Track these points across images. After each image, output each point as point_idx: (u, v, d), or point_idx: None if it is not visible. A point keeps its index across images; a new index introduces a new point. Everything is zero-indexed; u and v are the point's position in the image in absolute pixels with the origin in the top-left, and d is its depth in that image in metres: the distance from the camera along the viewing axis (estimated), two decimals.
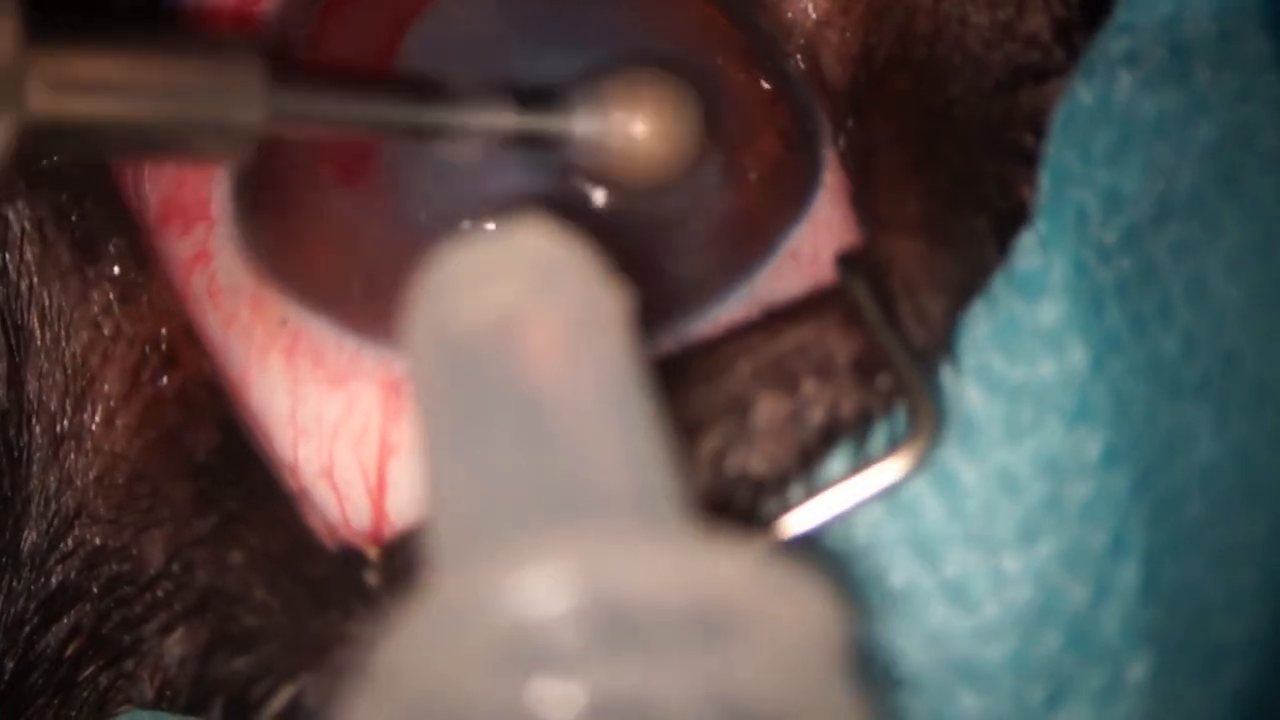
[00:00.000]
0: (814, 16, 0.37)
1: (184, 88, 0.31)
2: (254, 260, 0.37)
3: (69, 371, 0.36)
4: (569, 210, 0.35)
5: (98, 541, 0.35)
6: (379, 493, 0.35)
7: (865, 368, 0.34)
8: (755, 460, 0.34)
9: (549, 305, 0.28)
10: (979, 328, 0.33)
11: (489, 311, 0.28)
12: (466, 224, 0.36)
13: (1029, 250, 0.33)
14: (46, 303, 0.36)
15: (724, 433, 0.34)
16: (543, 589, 0.24)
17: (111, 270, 0.36)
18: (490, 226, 0.36)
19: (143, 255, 0.36)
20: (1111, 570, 0.33)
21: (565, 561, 0.25)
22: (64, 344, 0.36)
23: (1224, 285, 0.33)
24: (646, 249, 0.36)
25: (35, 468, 0.35)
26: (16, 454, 0.35)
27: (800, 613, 0.25)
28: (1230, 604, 0.33)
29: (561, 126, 0.35)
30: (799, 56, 0.37)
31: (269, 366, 0.36)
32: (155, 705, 0.35)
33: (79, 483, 0.35)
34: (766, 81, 0.37)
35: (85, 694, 0.35)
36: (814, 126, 0.37)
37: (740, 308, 0.36)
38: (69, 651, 0.35)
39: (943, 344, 0.33)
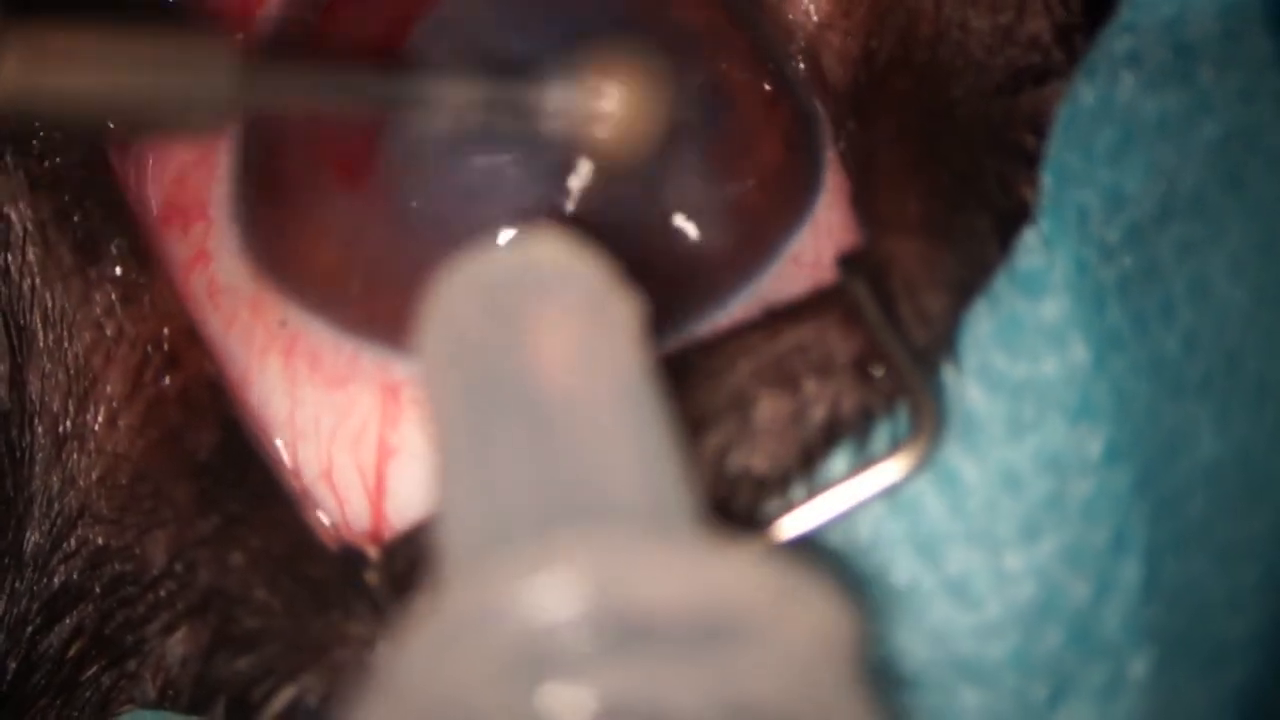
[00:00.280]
0: (815, 19, 0.37)
1: (157, 62, 0.31)
2: (253, 261, 0.37)
3: (71, 372, 0.36)
4: (574, 216, 0.36)
5: (100, 542, 0.35)
6: (378, 494, 0.36)
7: (866, 367, 0.34)
8: (757, 459, 0.34)
9: (561, 314, 0.28)
10: (981, 326, 0.33)
11: (502, 320, 0.28)
12: (467, 226, 0.36)
13: (1031, 249, 0.33)
14: (49, 304, 0.36)
15: (726, 431, 0.34)
16: (553, 594, 0.24)
17: (113, 271, 0.36)
18: (498, 231, 0.36)
19: (144, 256, 0.36)
20: (1113, 567, 0.33)
21: (575, 567, 0.25)
22: (66, 345, 0.36)
23: (1226, 284, 0.33)
24: (649, 252, 0.36)
25: (38, 468, 0.35)
26: (19, 454, 0.35)
27: (810, 618, 0.25)
28: (1231, 601, 0.34)
29: (536, 96, 0.35)
30: (800, 58, 0.37)
31: (268, 368, 0.36)
32: (158, 705, 0.35)
33: (82, 483, 0.35)
34: (767, 84, 0.37)
35: (88, 694, 0.35)
36: (815, 128, 0.37)
37: (743, 311, 0.36)
38: (72, 652, 0.35)
39: (944, 342, 0.33)
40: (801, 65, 0.37)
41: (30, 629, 0.35)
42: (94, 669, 0.35)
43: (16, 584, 0.35)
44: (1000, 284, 0.33)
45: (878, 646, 0.33)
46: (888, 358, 0.34)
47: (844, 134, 0.36)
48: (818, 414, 0.34)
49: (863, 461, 0.33)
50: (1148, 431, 0.33)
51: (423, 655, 0.25)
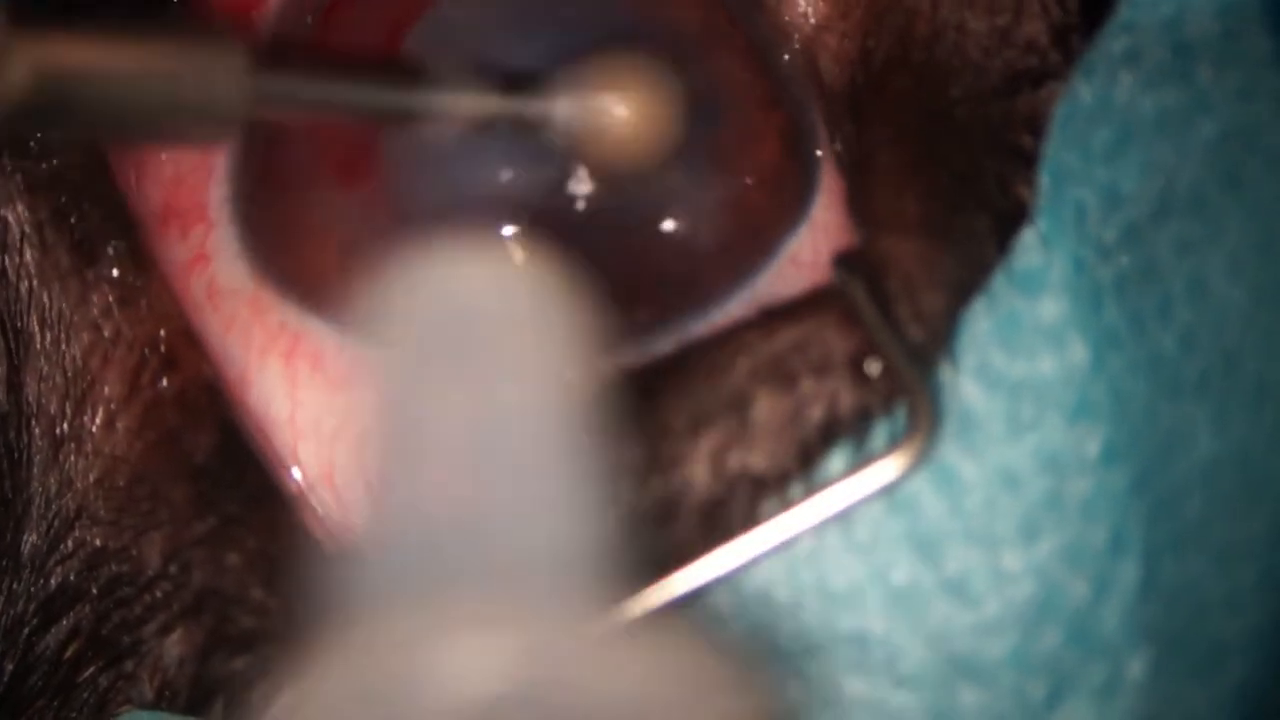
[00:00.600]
0: (813, 21, 0.37)
1: (168, 70, 0.31)
2: (254, 263, 0.37)
3: (69, 374, 0.36)
4: (571, 215, 0.36)
5: (98, 543, 0.35)
6: None
7: (864, 366, 0.34)
8: (755, 458, 0.34)
9: (499, 338, 0.28)
10: (979, 325, 0.33)
11: (439, 335, 0.28)
12: (468, 226, 0.36)
13: (1029, 248, 0.33)
14: (46, 305, 0.36)
15: (724, 430, 0.34)
16: (469, 669, 0.24)
17: (111, 273, 0.36)
18: (499, 231, 0.36)
19: (142, 258, 0.36)
20: (1111, 567, 0.33)
21: (492, 641, 0.24)
22: (64, 347, 0.36)
23: (1224, 284, 0.33)
24: (649, 252, 0.36)
25: (36, 470, 0.35)
26: (17, 456, 0.35)
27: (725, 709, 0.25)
28: (1230, 601, 0.33)
29: (543, 109, 0.35)
30: (796, 59, 0.37)
31: (268, 369, 0.36)
32: (155, 706, 0.35)
33: (79, 485, 0.35)
34: (765, 84, 0.37)
35: (85, 695, 0.35)
36: (811, 129, 0.37)
37: (742, 310, 0.36)
38: (69, 653, 0.35)
39: (942, 342, 0.33)
40: (797, 66, 0.37)
41: (27, 630, 0.35)
42: (91, 670, 0.35)
43: (14, 585, 0.35)
44: (998, 283, 0.33)
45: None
46: (885, 357, 0.34)
47: (840, 134, 0.36)
48: (815, 413, 0.34)
49: (861, 460, 0.33)
50: (1145, 431, 0.33)
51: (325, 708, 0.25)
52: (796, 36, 0.37)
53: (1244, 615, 0.34)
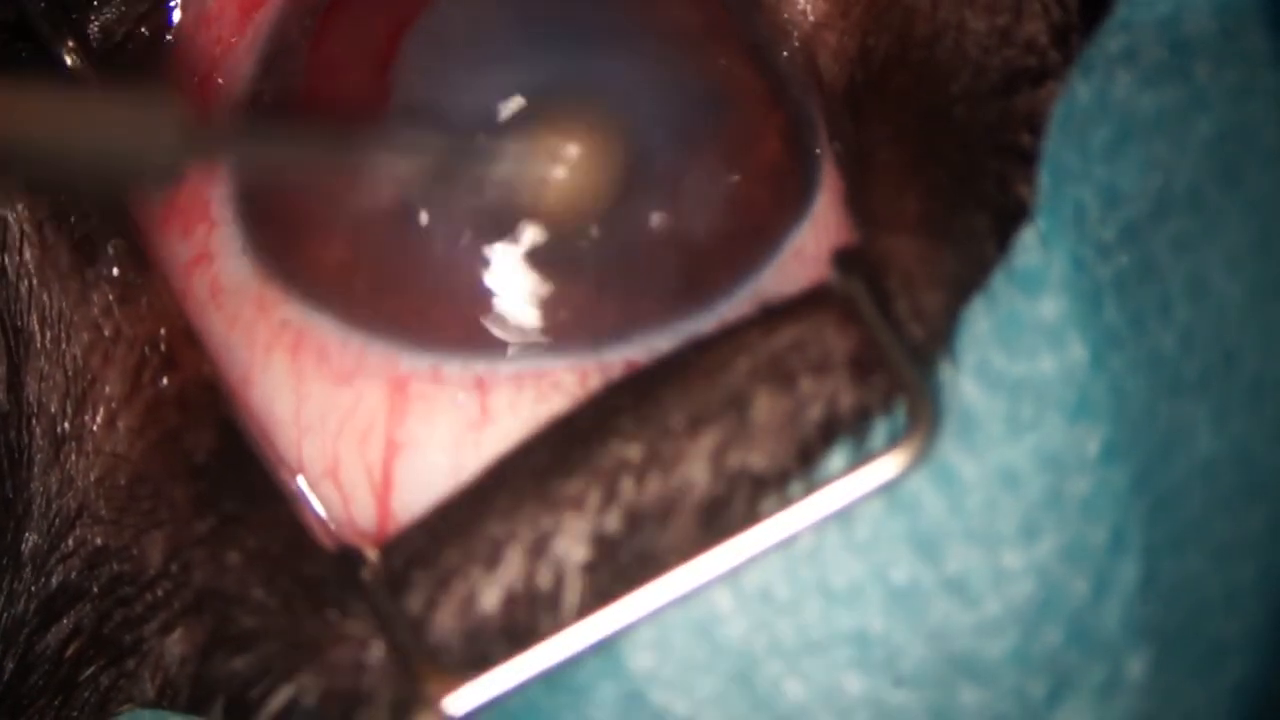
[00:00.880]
0: (812, 19, 0.37)
1: (103, 125, 0.32)
2: (259, 260, 0.37)
3: (69, 373, 0.36)
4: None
5: (99, 542, 0.35)
6: (384, 491, 0.36)
7: (863, 364, 0.34)
8: (755, 457, 0.34)
9: None
10: (979, 324, 0.33)
11: None
12: (473, 219, 0.36)
13: (1029, 247, 0.33)
14: (46, 304, 0.36)
15: (724, 429, 0.34)
16: None
17: (111, 271, 0.36)
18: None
19: (142, 256, 0.36)
20: (1111, 566, 0.33)
21: None
22: (64, 346, 0.36)
23: (1223, 282, 0.33)
24: (649, 250, 0.36)
25: (36, 469, 0.35)
26: (18, 456, 0.35)
27: None
28: (1229, 600, 0.34)
29: (484, 168, 0.35)
30: (795, 57, 0.37)
31: (273, 365, 0.36)
32: (156, 704, 0.35)
33: (80, 484, 0.36)
34: (765, 82, 0.37)
35: (86, 694, 0.35)
36: (811, 126, 0.37)
37: (745, 306, 0.36)
38: (70, 651, 0.35)
39: (942, 340, 0.33)
40: (797, 63, 0.37)
41: (28, 629, 0.35)
42: (92, 669, 0.35)
43: (15, 584, 0.35)
44: (998, 282, 0.33)
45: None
46: (885, 355, 0.34)
47: (839, 132, 0.36)
48: (815, 412, 0.34)
49: (860, 459, 0.33)
50: (1145, 429, 0.33)
51: None
52: (795, 34, 0.37)
53: (1243, 614, 0.34)
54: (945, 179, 0.34)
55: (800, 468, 0.33)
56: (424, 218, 0.36)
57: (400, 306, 0.36)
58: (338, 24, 0.37)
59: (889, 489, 0.33)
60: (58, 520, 0.35)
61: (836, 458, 0.33)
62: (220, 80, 0.38)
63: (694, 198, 0.36)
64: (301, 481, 0.36)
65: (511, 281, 0.36)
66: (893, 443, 0.33)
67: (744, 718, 0.33)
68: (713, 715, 0.33)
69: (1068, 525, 0.33)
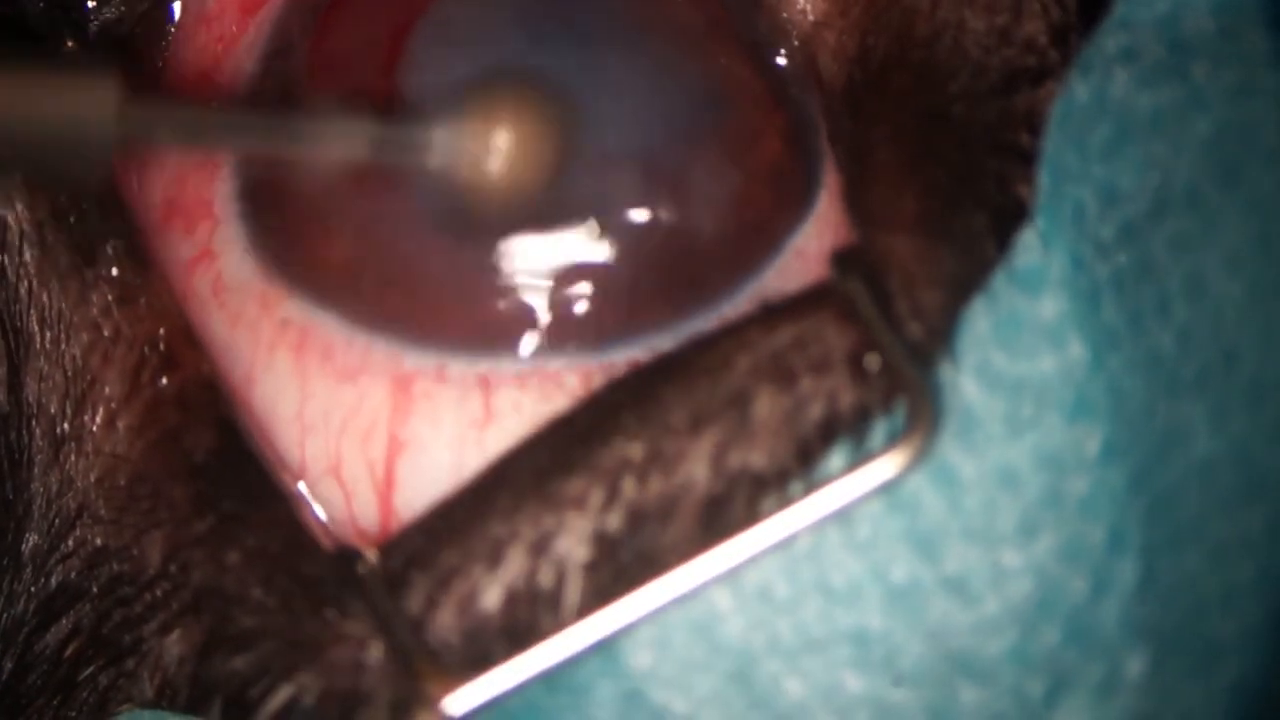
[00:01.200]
0: (811, 18, 0.37)
1: (36, 104, 0.32)
2: (263, 258, 0.37)
3: (69, 374, 0.36)
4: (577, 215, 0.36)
5: (99, 542, 0.35)
6: (387, 489, 0.36)
7: (863, 364, 0.34)
8: (755, 456, 0.34)
9: None
10: (979, 323, 0.33)
11: None
12: (475, 220, 0.36)
13: (1029, 246, 0.33)
14: (46, 305, 0.36)
15: (724, 428, 0.34)
16: None
17: (110, 271, 0.36)
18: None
19: (141, 256, 0.36)
20: (1110, 565, 0.33)
21: None
22: (64, 346, 0.36)
23: (1222, 281, 0.33)
24: (650, 248, 0.36)
25: (36, 470, 0.35)
26: (18, 457, 0.35)
27: None
28: (1227, 600, 0.34)
29: (420, 147, 0.35)
30: (795, 57, 0.37)
31: (276, 363, 0.36)
32: (155, 704, 0.35)
33: (80, 484, 0.36)
34: (764, 81, 0.37)
35: (86, 694, 0.35)
36: (813, 126, 0.37)
37: (746, 305, 0.36)
38: (69, 651, 0.35)
39: (942, 340, 0.33)
40: (796, 63, 0.37)
41: (28, 629, 0.35)
42: (92, 668, 0.35)
43: (14, 585, 0.35)
44: (998, 282, 0.33)
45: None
46: (885, 355, 0.34)
47: (839, 132, 0.36)
48: (815, 411, 0.34)
49: (860, 458, 0.33)
50: (1144, 429, 0.33)
51: None
52: (795, 34, 0.37)
53: (1241, 613, 0.34)
54: (945, 178, 0.34)
55: (800, 467, 0.34)
56: (430, 216, 0.36)
57: (405, 304, 0.36)
58: (338, 23, 0.37)
59: (889, 488, 0.33)
60: (58, 520, 0.35)
61: (836, 457, 0.33)
62: (221, 79, 0.38)
63: (696, 197, 0.36)
64: (301, 483, 0.36)
65: (516, 281, 0.36)
66: (892, 442, 0.33)
67: (743, 716, 0.33)
68: (712, 714, 0.33)
69: (1066, 525, 0.33)
